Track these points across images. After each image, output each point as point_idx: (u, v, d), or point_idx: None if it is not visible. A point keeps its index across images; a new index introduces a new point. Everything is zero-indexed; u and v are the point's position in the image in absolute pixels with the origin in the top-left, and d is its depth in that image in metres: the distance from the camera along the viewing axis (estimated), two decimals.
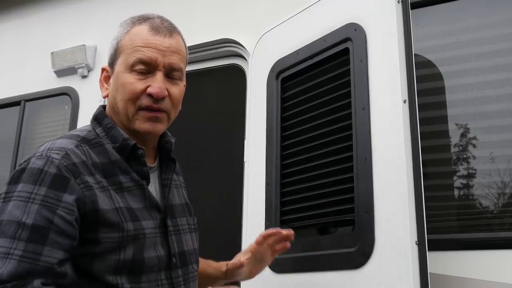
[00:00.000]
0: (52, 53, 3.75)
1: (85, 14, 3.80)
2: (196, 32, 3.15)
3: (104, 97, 1.53)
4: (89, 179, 1.34)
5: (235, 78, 3.12)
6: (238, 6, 3.13)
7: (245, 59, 3.02)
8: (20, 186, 1.28)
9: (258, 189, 2.39)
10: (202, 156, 3.19)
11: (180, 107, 1.54)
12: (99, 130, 1.48)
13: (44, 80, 3.83)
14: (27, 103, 3.90)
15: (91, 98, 3.54)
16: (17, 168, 1.34)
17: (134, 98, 1.43)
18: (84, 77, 3.66)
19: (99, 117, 1.51)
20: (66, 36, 3.80)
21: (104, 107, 1.56)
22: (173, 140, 1.60)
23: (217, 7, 3.22)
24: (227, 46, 3.12)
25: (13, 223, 1.24)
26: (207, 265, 1.85)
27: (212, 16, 3.20)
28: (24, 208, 1.25)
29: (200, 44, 3.14)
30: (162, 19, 1.52)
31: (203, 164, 3.16)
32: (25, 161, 1.33)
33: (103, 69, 1.54)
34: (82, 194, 1.30)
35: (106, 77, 1.53)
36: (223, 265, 1.85)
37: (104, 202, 1.34)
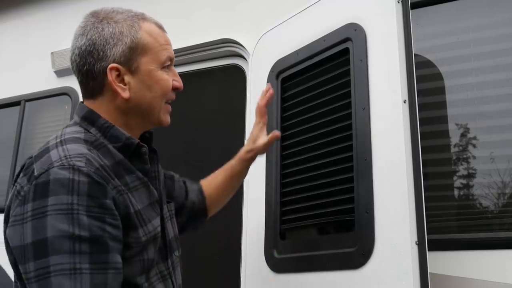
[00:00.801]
0: (52, 53, 3.75)
1: (85, 14, 3.79)
2: (196, 32, 3.15)
3: (127, 98, 1.44)
4: (115, 183, 1.33)
5: (235, 78, 3.12)
6: (238, 6, 3.13)
7: (245, 59, 3.02)
8: (52, 200, 1.22)
9: (258, 189, 2.39)
10: (202, 156, 3.19)
11: None
12: (93, 130, 1.43)
13: (44, 80, 3.83)
14: (27, 103, 3.90)
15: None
16: (30, 183, 1.26)
17: (168, 93, 1.51)
18: None
19: (92, 117, 1.45)
20: (66, 36, 3.76)
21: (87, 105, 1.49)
22: (151, 130, 1.62)
23: (217, 7, 3.21)
24: (227, 46, 3.12)
25: (65, 238, 1.19)
26: (221, 173, 2.01)
27: (212, 16, 3.20)
28: (71, 221, 1.20)
29: (200, 44, 3.14)
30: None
31: (203, 164, 3.16)
32: (42, 173, 1.25)
33: (112, 68, 1.42)
34: (117, 199, 1.31)
35: (117, 76, 1.44)
36: (240, 153, 2.01)
37: (130, 205, 1.35)
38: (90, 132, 1.42)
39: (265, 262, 2.26)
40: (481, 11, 2.35)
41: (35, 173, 1.27)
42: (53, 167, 1.25)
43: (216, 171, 2.03)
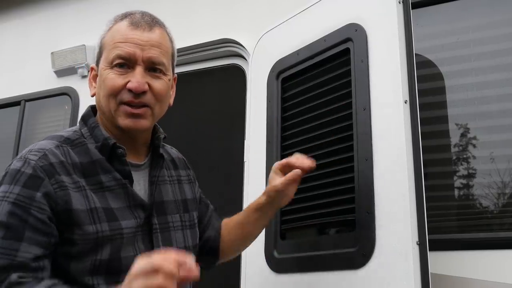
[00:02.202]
0: (52, 53, 3.75)
1: (85, 14, 3.79)
2: (196, 32, 3.15)
3: (92, 96, 1.53)
4: (65, 179, 1.35)
5: (235, 78, 3.12)
6: (238, 6, 3.13)
7: (245, 59, 3.02)
8: (1, 188, 1.34)
9: (258, 189, 2.37)
10: (202, 156, 3.19)
11: (167, 102, 1.54)
12: (84, 130, 1.50)
13: (44, 80, 3.83)
14: (27, 103, 3.90)
15: (91, 98, 3.53)
16: None
17: (115, 93, 1.43)
18: (84, 77, 3.66)
19: (85, 117, 1.53)
20: (66, 36, 3.80)
21: (93, 107, 1.57)
22: (162, 135, 1.59)
23: (217, 7, 3.21)
24: (227, 46, 3.12)
25: None
26: (237, 218, 1.85)
27: (212, 16, 3.20)
28: None
29: (200, 44, 3.14)
30: (143, 14, 1.52)
31: (203, 164, 3.16)
32: (9, 165, 1.38)
33: (91, 68, 1.55)
34: (55, 194, 1.32)
35: (94, 76, 1.54)
36: (260, 199, 1.78)
37: (78, 202, 1.35)
38: (81, 131, 1.49)
39: (265, 262, 2.26)
40: (481, 11, 2.35)
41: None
42: (15, 160, 1.38)
43: (239, 213, 1.87)
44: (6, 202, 1.30)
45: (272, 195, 1.75)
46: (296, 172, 1.69)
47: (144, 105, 1.45)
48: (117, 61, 1.43)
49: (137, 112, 1.44)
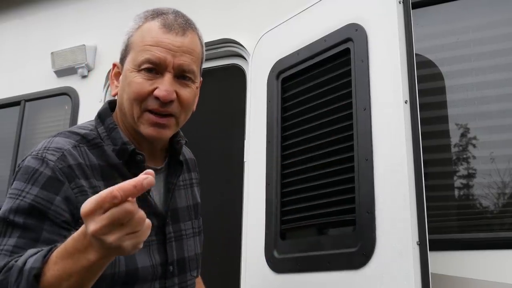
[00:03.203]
0: (52, 53, 3.75)
1: (85, 14, 3.79)
2: None
3: (114, 95, 1.44)
4: (84, 183, 1.29)
5: (235, 78, 3.12)
6: (238, 6, 3.13)
7: (245, 59, 3.02)
8: (14, 184, 1.27)
9: (258, 189, 2.39)
10: (202, 156, 3.18)
11: (192, 110, 1.45)
12: (101, 129, 1.41)
13: (44, 80, 3.83)
14: (27, 103, 3.90)
15: (91, 98, 3.54)
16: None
17: (140, 99, 1.34)
18: (84, 77, 3.66)
19: (103, 116, 1.44)
20: (66, 36, 3.80)
21: (111, 103, 1.49)
22: (183, 141, 1.52)
23: (217, 7, 3.21)
24: (227, 46, 3.12)
25: (2, 221, 1.23)
26: None
27: (212, 16, 3.20)
28: (12, 206, 1.23)
29: None
30: (176, 14, 1.43)
31: (203, 164, 3.16)
32: (23, 160, 1.31)
33: (114, 65, 1.45)
34: (75, 199, 1.26)
35: (116, 74, 1.44)
36: None
37: None
38: (97, 130, 1.41)
39: (265, 262, 2.26)
40: (481, 11, 2.35)
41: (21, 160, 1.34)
42: (29, 156, 1.30)
43: None
44: (23, 202, 1.23)
45: None
46: None
47: (170, 114, 1.37)
48: (146, 65, 1.34)
49: (162, 122, 1.36)
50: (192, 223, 1.55)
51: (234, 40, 3.06)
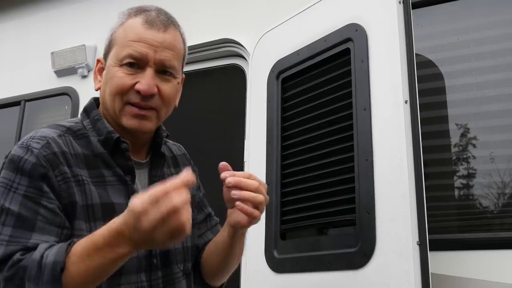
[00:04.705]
0: (52, 53, 3.75)
1: (85, 14, 3.80)
2: (196, 32, 3.14)
3: (97, 90, 1.49)
4: (67, 170, 1.32)
5: (235, 78, 3.12)
6: (238, 6, 3.14)
7: (245, 59, 3.02)
8: (2, 173, 1.31)
9: None
10: (202, 156, 3.19)
11: (173, 105, 1.49)
12: (86, 122, 1.46)
13: (44, 80, 3.83)
14: (27, 103, 3.90)
15: (90, 98, 3.53)
16: None
17: (122, 93, 1.38)
18: (84, 77, 3.66)
19: (88, 109, 1.49)
20: (66, 36, 3.80)
21: (96, 99, 1.53)
22: (165, 134, 1.56)
23: (217, 7, 3.22)
24: (227, 46, 3.12)
25: None
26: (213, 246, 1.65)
27: (212, 16, 3.21)
28: (6, 195, 1.27)
29: (200, 44, 3.14)
30: (159, 11, 1.46)
31: (203, 164, 3.16)
32: (10, 151, 1.35)
33: (98, 61, 1.50)
34: (59, 187, 1.30)
35: (100, 69, 1.49)
36: (224, 231, 1.59)
37: (78, 197, 1.32)
38: (83, 123, 1.46)
39: (265, 262, 2.26)
40: (481, 11, 2.36)
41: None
42: (16, 146, 1.34)
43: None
44: (16, 194, 1.27)
45: (236, 228, 1.54)
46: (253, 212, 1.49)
47: (151, 108, 1.41)
48: (128, 60, 1.38)
49: (143, 113, 1.40)
50: None
51: (234, 40, 3.06)
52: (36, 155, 1.30)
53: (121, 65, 1.39)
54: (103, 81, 1.46)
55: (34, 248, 1.21)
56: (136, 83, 1.38)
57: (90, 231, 1.29)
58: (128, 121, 1.41)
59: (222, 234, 1.58)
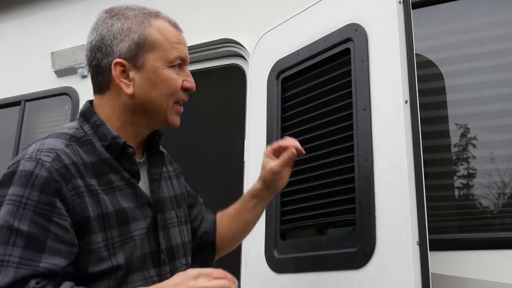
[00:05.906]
0: (52, 53, 3.75)
1: (85, 14, 3.78)
2: (196, 32, 3.14)
3: (131, 94, 1.43)
4: (80, 182, 1.31)
5: (235, 78, 3.12)
6: (238, 6, 3.14)
7: (245, 59, 3.02)
8: (11, 190, 1.26)
9: None
10: (202, 156, 3.19)
11: None
12: (86, 127, 1.44)
13: (44, 80, 3.83)
14: (27, 103, 3.90)
15: (91, 98, 3.53)
16: (6, 171, 1.31)
17: (176, 92, 1.46)
18: (84, 77, 3.66)
19: (87, 114, 1.47)
20: (66, 36, 3.80)
21: (91, 102, 1.52)
22: (161, 132, 1.59)
23: (217, 7, 3.22)
24: (227, 46, 3.12)
25: (4, 228, 1.22)
26: (233, 207, 1.84)
27: (212, 16, 3.21)
28: (16, 213, 1.23)
29: (200, 44, 3.14)
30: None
31: (203, 164, 3.16)
32: (13, 164, 1.30)
33: (117, 64, 1.42)
34: (72, 202, 1.28)
35: (122, 72, 1.43)
36: (256, 186, 1.78)
37: (92, 209, 1.31)
38: (83, 129, 1.44)
39: (265, 262, 2.26)
40: (481, 11, 2.35)
41: (10, 164, 1.33)
42: (22, 159, 1.30)
43: (235, 203, 1.85)
44: (26, 210, 1.23)
45: (268, 179, 1.75)
46: (291, 151, 1.69)
47: None
48: (178, 61, 1.47)
49: (182, 110, 1.53)
50: (176, 213, 1.59)
51: (234, 40, 3.06)
52: (48, 169, 1.27)
53: (170, 67, 1.46)
54: (143, 84, 1.43)
55: (45, 273, 1.21)
56: (183, 81, 1.48)
57: (106, 239, 1.32)
58: (174, 119, 1.50)
59: (253, 193, 1.78)
